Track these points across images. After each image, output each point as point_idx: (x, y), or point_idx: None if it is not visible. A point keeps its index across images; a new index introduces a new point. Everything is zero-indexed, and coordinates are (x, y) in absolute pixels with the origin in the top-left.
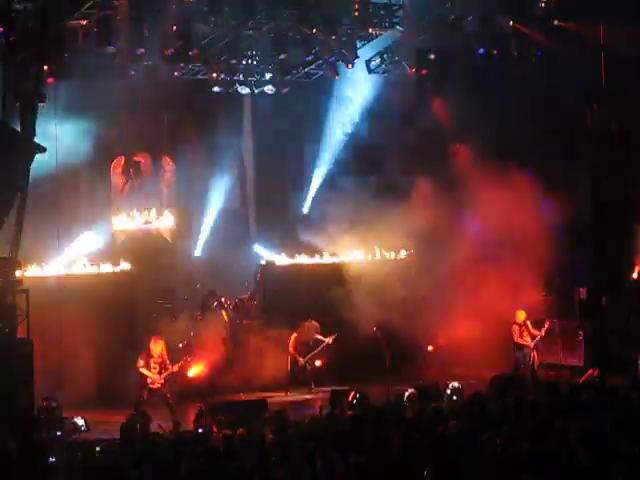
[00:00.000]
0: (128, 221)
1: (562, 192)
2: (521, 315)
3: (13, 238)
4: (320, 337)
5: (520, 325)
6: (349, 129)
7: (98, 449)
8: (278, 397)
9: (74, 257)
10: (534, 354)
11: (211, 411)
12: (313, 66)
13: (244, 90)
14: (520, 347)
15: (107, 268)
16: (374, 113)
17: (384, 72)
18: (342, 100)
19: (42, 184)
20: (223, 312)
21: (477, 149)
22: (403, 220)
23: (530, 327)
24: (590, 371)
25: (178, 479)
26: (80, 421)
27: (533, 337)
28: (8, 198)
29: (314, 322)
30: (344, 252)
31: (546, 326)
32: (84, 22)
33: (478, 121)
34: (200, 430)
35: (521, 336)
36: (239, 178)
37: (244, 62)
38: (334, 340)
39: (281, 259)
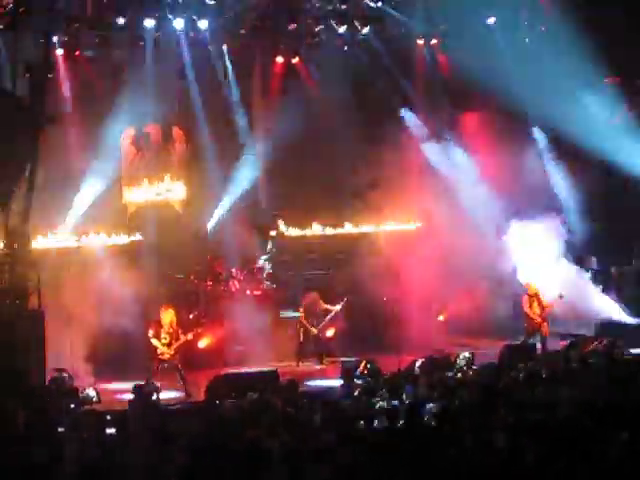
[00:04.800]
0: (139, 192)
1: (574, 161)
2: (533, 287)
3: (23, 209)
4: (328, 306)
5: (530, 296)
6: None
7: (109, 418)
8: (289, 368)
9: (84, 228)
10: (544, 325)
11: (222, 382)
12: (323, 35)
13: (253, 60)
14: (529, 318)
15: (118, 239)
16: None
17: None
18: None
19: (53, 155)
20: (234, 282)
21: (487, 116)
22: (413, 190)
23: (541, 298)
24: (597, 341)
25: (189, 450)
26: (91, 392)
27: (543, 308)
28: (18, 169)
29: (314, 293)
30: (355, 222)
31: (558, 298)
32: None
33: (488, 89)
34: (211, 400)
35: (530, 307)
36: (250, 145)
37: (254, 32)
38: (343, 307)
39: (292, 230)
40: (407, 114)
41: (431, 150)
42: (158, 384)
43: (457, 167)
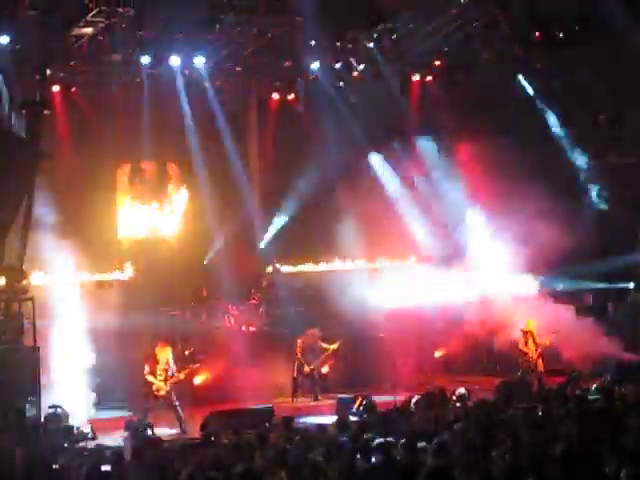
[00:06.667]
0: (134, 228)
1: (570, 195)
2: (529, 324)
3: (19, 245)
4: (325, 345)
5: (525, 333)
6: None
7: (104, 454)
8: (284, 404)
9: (80, 264)
10: (539, 361)
11: (217, 418)
12: (318, 72)
13: (249, 97)
14: (525, 354)
15: (113, 275)
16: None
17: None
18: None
19: (49, 191)
20: (229, 319)
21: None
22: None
23: (536, 336)
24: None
25: None
26: (87, 428)
27: (538, 346)
28: (14, 205)
29: (315, 330)
30: (349, 259)
31: (553, 337)
32: (89, 30)
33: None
34: (206, 437)
35: (526, 344)
36: (245, 182)
37: (250, 68)
38: (339, 347)
39: (287, 266)
40: (400, 148)
41: (424, 182)
42: (150, 420)
43: (450, 198)
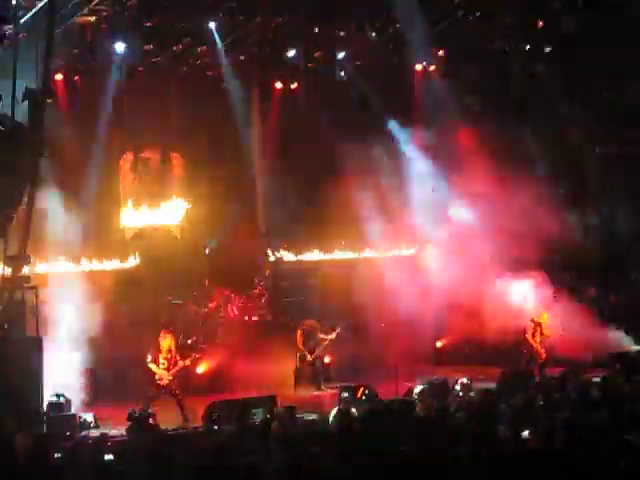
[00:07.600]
0: (137, 217)
1: (575, 187)
2: (542, 317)
3: (22, 234)
4: (322, 335)
5: (536, 324)
6: None
7: (110, 444)
8: (287, 394)
9: (82, 252)
10: (542, 352)
11: (220, 407)
12: (320, 61)
13: (252, 85)
14: (529, 344)
15: (116, 264)
16: None
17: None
18: None
19: (51, 179)
20: (232, 308)
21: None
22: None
23: (544, 329)
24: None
25: (187, 475)
26: (89, 417)
27: (544, 339)
28: (17, 194)
29: (313, 320)
30: (353, 248)
31: (560, 334)
32: (93, 18)
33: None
34: (209, 426)
35: (533, 335)
36: (248, 171)
37: (253, 57)
38: (337, 335)
39: (290, 256)
40: (401, 136)
41: (425, 170)
42: (153, 409)
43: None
